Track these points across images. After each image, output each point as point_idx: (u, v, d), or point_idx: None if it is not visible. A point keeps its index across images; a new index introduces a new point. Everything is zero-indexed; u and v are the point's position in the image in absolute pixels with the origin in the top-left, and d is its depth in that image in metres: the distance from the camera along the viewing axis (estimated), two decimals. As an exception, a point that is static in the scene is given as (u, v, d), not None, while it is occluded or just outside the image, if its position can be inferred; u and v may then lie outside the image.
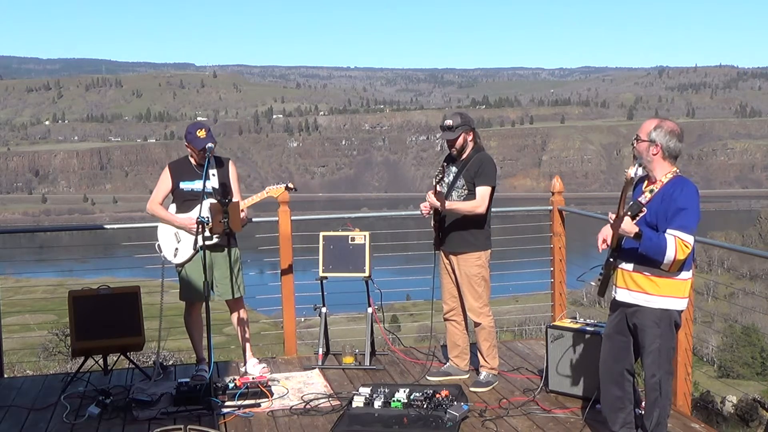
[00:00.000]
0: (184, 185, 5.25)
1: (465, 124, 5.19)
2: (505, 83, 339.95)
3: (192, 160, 5.30)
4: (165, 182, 5.32)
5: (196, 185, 5.17)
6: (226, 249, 5.34)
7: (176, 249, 5.32)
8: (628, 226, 3.74)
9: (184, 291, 5.38)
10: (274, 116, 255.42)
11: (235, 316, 5.57)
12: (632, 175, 3.65)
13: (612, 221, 3.80)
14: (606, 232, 3.94)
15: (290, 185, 5.44)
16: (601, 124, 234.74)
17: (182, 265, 5.32)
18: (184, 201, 5.26)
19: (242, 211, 5.24)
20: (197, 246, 4.95)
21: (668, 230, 3.68)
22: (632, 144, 3.91)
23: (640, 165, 3.79)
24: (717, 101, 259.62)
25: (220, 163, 5.37)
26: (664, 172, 3.83)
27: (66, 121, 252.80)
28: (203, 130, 5.18)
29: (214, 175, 5.27)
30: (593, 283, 4.05)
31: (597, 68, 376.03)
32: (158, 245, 5.39)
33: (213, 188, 5.22)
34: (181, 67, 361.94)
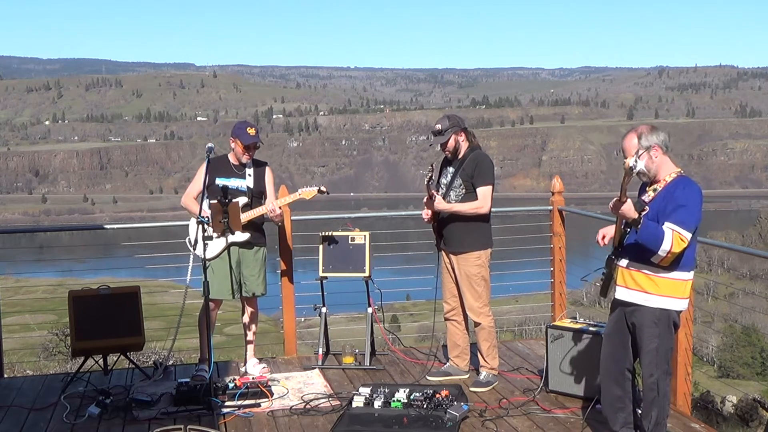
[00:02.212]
0: (219, 181, 5.31)
1: (454, 125, 5.19)
2: (505, 83, 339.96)
3: (231, 158, 5.37)
4: (201, 177, 5.35)
5: (231, 182, 5.30)
6: (255, 246, 5.40)
7: (206, 244, 5.33)
8: (629, 210, 3.71)
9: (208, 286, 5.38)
10: (274, 116, 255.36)
11: (248, 313, 5.61)
12: (631, 165, 3.62)
13: (612, 205, 3.77)
14: (606, 229, 3.92)
15: (323, 188, 5.47)
16: (601, 124, 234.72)
17: (210, 260, 5.34)
18: (218, 197, 5.30)
19: (281, 208, 5.36)
20: (223, 243, 4.96)
21: (666, 223, 3.68)
22: (632, 169, 3.63)
23: (639, 157, 3.70)
24: (717, 101, 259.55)
25: (258, 165, 5.47)
26: (668, 171, 3.83)
27: (66, 121, 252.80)
28: (253, 129, 5.34)
29: (250, 175, 5.39)
30: (597, 284, 4.04)
31: (597, 68, 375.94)
32: (189, 239, 5.43)
33: (248, 187, 5.35)
34: (181, 67, 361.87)
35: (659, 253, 3.69)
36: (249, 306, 5.60)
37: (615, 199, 3.77)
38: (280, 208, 5.35)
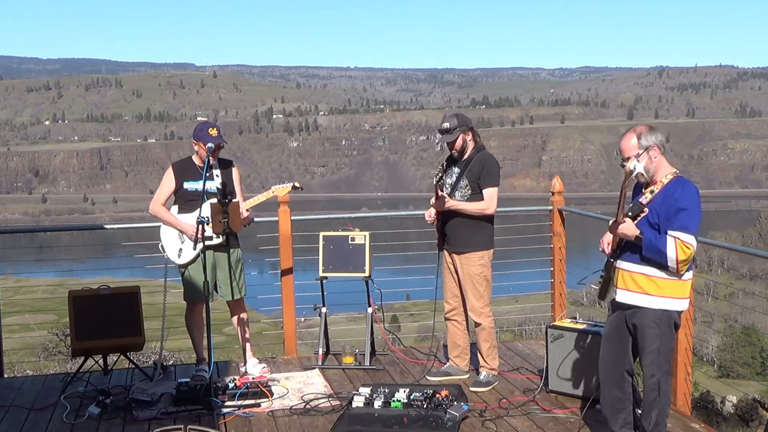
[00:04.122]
0: (188, 185, 5.25)
1: (462, 124, 5.19)
2: (505, 83, 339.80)
3: (196, 160, 5.31)
4: (168, 182, 5.32)
5: (200, 185, 5.16)
6: (230, 249, 5.35)
7: (180, 249, 5.32)
8: (630, 229, 3.75)
9: (187, 291, 5.37)
10: (274, 116, 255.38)
11: (236, 316, 5.58)
12: (631, 168, 3.63)
13: (611, 226, 3.80)
14: (609, 237, 3.93)
15: (296, 184, 5.41)
16: (601, 124, 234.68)
17: (185, 265, 5.33)
18: (187, 201, 5.26)
19: (247, 210, 5.24)
20: (200, 247, 4.96)
21: (669, 231, 3.68)
22: (632, 172, 3.77)
23: (639, 159, 3.73)
24: (717, 101, 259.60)
25: (225, 165, 5.39)
26: (664, 173, 3.83)
27: (66, 121, 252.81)
28: (215, 128, 5.22)
29: (217, 176, 5.29)
30: (594, 287, 4.05)
31: (597, 68, 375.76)
32: (162, 245, 5.39)
33: (217, 188, 5.25)
34: (181, 67, 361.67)
35: (669, 264, 3.69)
36: (236, 308, 5.56)
37: (612, 220, 3.77)
38: (247, 210, 5.26)
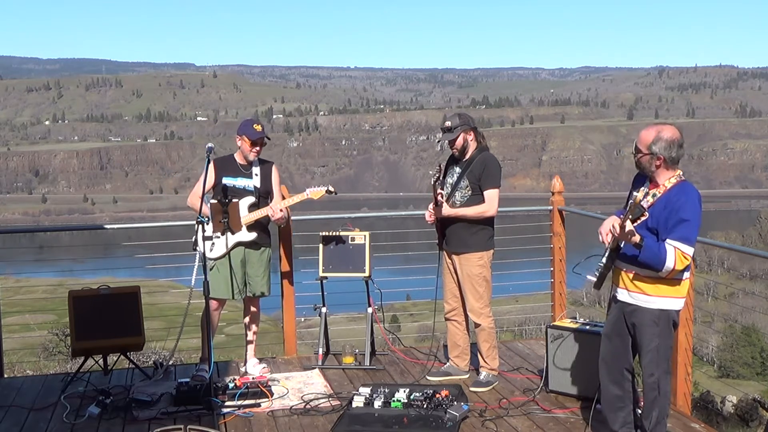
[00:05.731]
0: (227, 180, 5.31)
1: (464, 124, 5.20)
2: (505, 83, 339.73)
3: (237, 157, 5.37)
4: (208, 177, 5.34)
5: (239, 182, 5.30)
6: (261, 247, 5.41)
7: (213, 244, 5.33)
8: (631, 234, 3.74)
9: (212, 287, 5.37)
10: (274, 116, 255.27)
11: (250, 313, 5.61)
12: (641, 199, 3.66)
13: (617, 232, 3.75)
14: (607, 228, 3.90)
15: (330, 188, 5.47)
16: (601, 124, 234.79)
17: (216, 260, 5.34)
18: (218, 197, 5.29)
19: (281, 210, 5.30)
20: (232, 243, 5.01)
21: (668, 240, 3.67)
22: (634, 156, 3.86)
23: (647, 193, 3.76)
24: (717, 101, 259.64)
25: (264, 164, 5.47)
26: (667, 176, 3.81)
27: (66, 121, 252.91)
28: (259, 125, 5.34)
29: (257, 174, 5.38)
30: (589, 277, 4.03)
31: (597, 68, 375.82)
32: (195, 238, 5.40)
33: (255, 187, 5.34)
34: (181, 67, 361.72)
35: (663, 271, 3.69)
36: (251, 306, 5.60)
37: (618, 222, 3.73)
38: (281, 210, 5.32)
